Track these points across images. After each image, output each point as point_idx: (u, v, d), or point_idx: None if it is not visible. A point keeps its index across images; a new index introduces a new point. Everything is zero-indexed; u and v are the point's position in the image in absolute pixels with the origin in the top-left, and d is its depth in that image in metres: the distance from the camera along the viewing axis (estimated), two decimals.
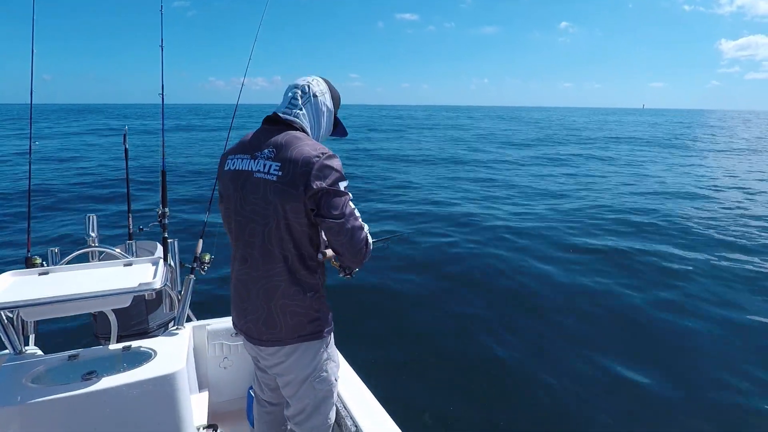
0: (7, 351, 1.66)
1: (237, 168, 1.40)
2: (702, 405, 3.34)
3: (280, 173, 1.30)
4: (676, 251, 6.70)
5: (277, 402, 1.69)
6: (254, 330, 1.43)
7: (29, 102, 2.12)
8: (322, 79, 1.52)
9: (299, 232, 1.34)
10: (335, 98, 1.53)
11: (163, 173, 2.29)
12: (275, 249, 1.35)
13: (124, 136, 2.41)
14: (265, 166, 1.33)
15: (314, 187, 1.27)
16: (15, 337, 1.63)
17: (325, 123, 1.51)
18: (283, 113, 1.42)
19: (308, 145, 1.33)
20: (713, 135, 36.87)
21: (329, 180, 1.30)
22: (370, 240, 1.44)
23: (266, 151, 1.35)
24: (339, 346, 1.72)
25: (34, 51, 2.00)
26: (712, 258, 6.45)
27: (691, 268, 6.01)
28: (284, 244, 1.34)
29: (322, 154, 1.31)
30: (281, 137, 1.35)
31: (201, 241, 2.11)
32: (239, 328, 1.51)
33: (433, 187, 11.82)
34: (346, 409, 1.78)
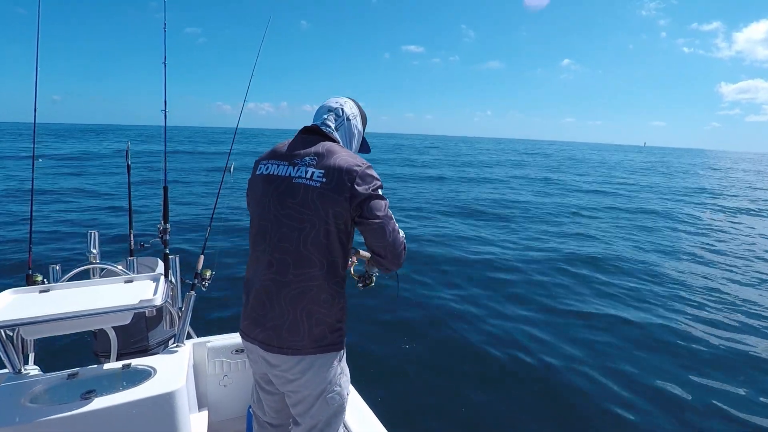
0: (6, 370, 1.65)
1: (272, 173, 1.44)
2: None
3: (324, 179, 1.35)
4: None
5: (279, 423, 1.66)
6: (274, 337, 1.39)
7: (34, 120, 2.15)
8: (352, 100, 1.59)
9: (336, 238, 1.39)
10: (364, 119, 1.62)
11: (165, 189, 2.30)
12: (312, 253, 1.37)
13: (127, 152, 2.42)
14: (306, 172, 1.38)
15: (360, 193, 1.35)
16: (14, 355, 1.62)
17: (355, 144, 1.59)
18: (325, 130, 1.49)
19: (348, 155, 1.41)
20: None
21: (372, 186, 1.38)
22: (405, 242, 1.51)
23: (307, 158, 1.40)
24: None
25: (39, 65, 2.03)
26: None
27: None
28: (321, 248, 1.37)
29: (363, 163, 1.40)
30: (320, 147, 1.42)
31: (202, 257, 2.11)
32: (253, 336, 1.44)
33: None
34: (344, 425, 1.76)
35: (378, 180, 1.41)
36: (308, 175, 1.37)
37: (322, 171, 1.36)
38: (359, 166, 1.37)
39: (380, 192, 1.41)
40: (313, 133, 1.48)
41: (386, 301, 5.23)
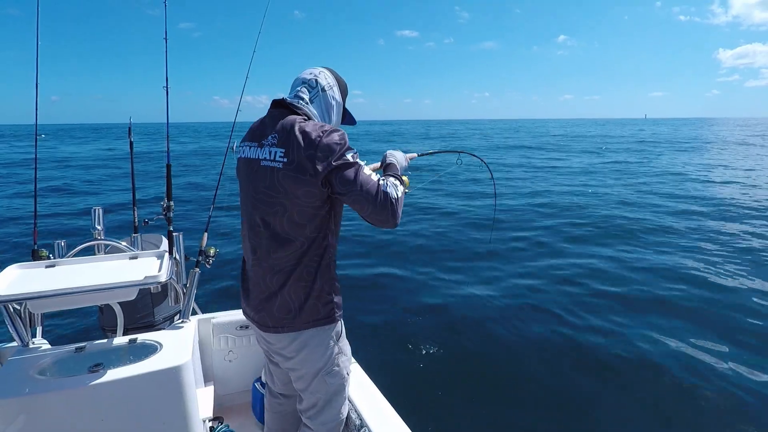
0: (14, 343, 1.67)
1: (247, 156, 1.42)
2: None
3: (285, 159, 1.30)
4: None
5: (290, 394, 1.70)
6: (268, 318, 1.42)
7: (36, 94, 2.13)
8: (328, 69, 1.51)
9: (311, 215, 1.35)
10: (343, 89, 1.53)
11: (168, 167, 2.29)
12: (290, 234, 1.35)
13: (129, 129, 2.40)
14: (270, 153, 1.34)
15: (320, 169, 1.27)
16: (22, 329, 1.64)
17: (335, 116, 1.51)
18: (290, 101, 1.42)
19: (311, 126, 1.32)
20: None
21: (334, 156, 1.28)
22: (395, 192, 1.35)
23: (270, 137, 1.36)
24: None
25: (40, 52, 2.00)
26: None
27: None
28: (299, 228, 1.35)
29: (322, 133, 1.29)
30: (284, 122, 1.35)
31: (206, 234, 2.11)
32: (251, 318, 1.49)
33: None
34: (350, 401, 1.79)
35: (340, 144, 1.29)
36: (272, 156, 1.33)
37: (283, 150, 1.31)
38: (319, 137, 1.28)
39: (347, 157, 1.30)
40: (281, 107, 1.42)
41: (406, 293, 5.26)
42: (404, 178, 1.56)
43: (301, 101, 1.42)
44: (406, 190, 1.54)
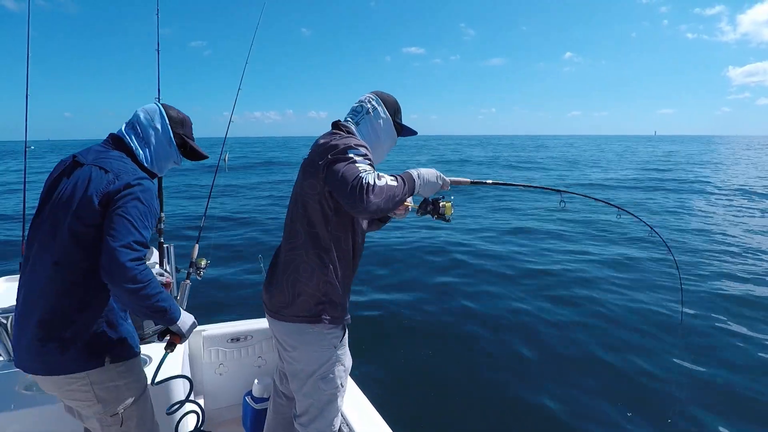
0: (0, 358, 1.65)
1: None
2: None
3: (306, 157, 1.49)
4: None
5: (292, 396, 1.67)
6: (268, 300, 1.52)
7: (26, 107, 2.12)
8: (375, 93, 1.62)
9: (313, 209, 1.43)
10: (390, 105, 1.62)
11: (159, 179, 2.29)
12: (296, 226, 1.47)
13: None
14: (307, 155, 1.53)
15: (320, 162, 1.38)
16: (9, 343, 1.62)
17: (384, 133, 1.59)
18: (342, 122, 1.58)
19: (337, 134, 1.46)
20: None
21: (335, 151, 1.37)
22: (375, 180, 1.29)
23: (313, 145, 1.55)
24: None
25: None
26: None
27: None
28: (301, 220, 1.45)
29: (339, 136, 1.43)
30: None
31: (197, 245, 2.11)
32: (262, 297, 1.58)
33: None
34: (343, 416, 1.77)
35: (346, 144, 1.35)
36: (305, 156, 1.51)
37: (309, 151, 1.49)
38: (331, 138, 1.42)
39: (347, 154, 1.33)
40: (334, 126, 1.58)
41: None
42: (447, 203, 1.54)
43: (348, 122, 1.58)
44: (445, 217, 1.54)
